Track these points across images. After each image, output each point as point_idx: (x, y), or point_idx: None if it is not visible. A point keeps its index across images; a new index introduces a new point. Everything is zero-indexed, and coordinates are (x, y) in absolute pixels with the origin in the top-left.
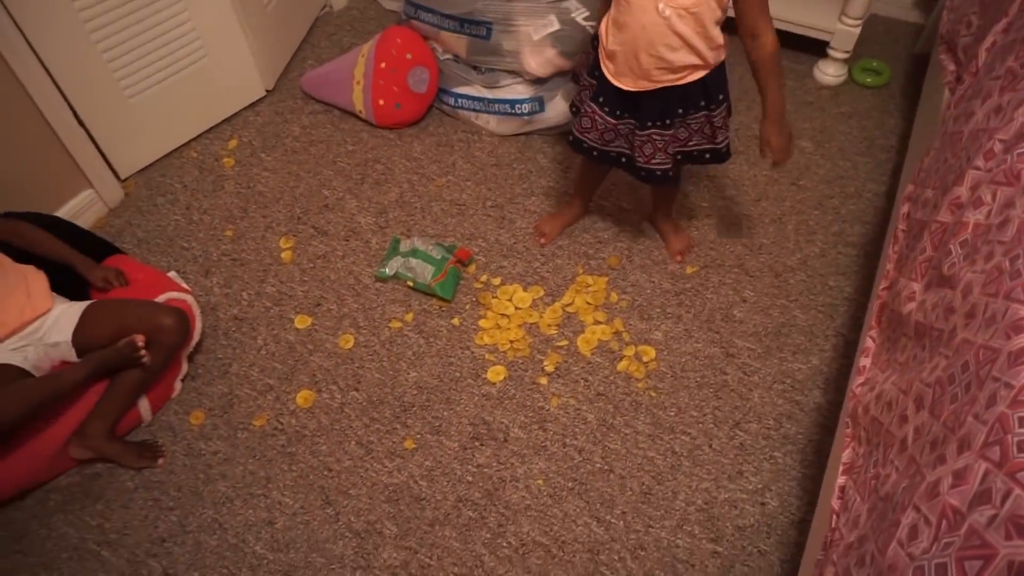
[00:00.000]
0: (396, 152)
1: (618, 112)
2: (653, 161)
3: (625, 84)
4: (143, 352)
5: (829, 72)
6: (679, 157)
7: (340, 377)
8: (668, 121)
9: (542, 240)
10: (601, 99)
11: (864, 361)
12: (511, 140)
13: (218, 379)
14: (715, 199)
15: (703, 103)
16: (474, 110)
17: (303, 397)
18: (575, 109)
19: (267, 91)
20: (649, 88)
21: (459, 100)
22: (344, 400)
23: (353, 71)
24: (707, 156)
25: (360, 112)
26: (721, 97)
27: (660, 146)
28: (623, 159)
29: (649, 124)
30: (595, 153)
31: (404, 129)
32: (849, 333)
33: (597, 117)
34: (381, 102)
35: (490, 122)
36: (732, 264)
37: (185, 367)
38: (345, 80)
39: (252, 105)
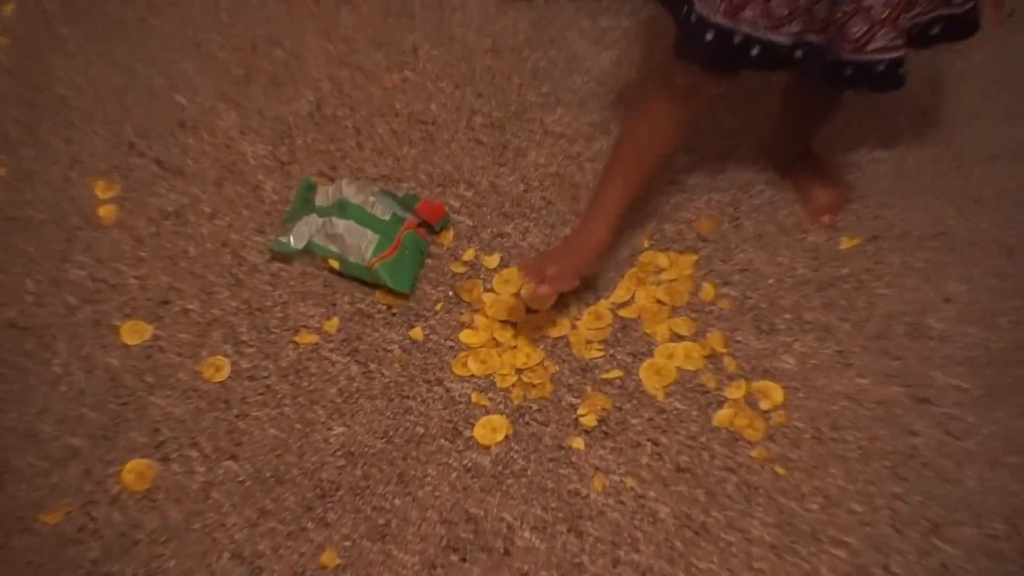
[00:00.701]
0: (310, 26)
1: None
2: (871, 47)
3: None
4: None
5: None
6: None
7: (204, 434)
8: None
9: (536, 303)
10: None
11: None
12: (518, 5)
13: None
14: (894, 114)
15: None
16: None
17: (135, 472)
18: None
19: None
20: None
21: None
22: (211, 477)
23: None
24: (938, 30)
25: None
26: None
27: (883, 15)
28: (799, 56)
29: None
30: (755, 52)
31: None
32: None
33: None
34: None
35: None
36: (924, 233)
37: None
38: None
39: None
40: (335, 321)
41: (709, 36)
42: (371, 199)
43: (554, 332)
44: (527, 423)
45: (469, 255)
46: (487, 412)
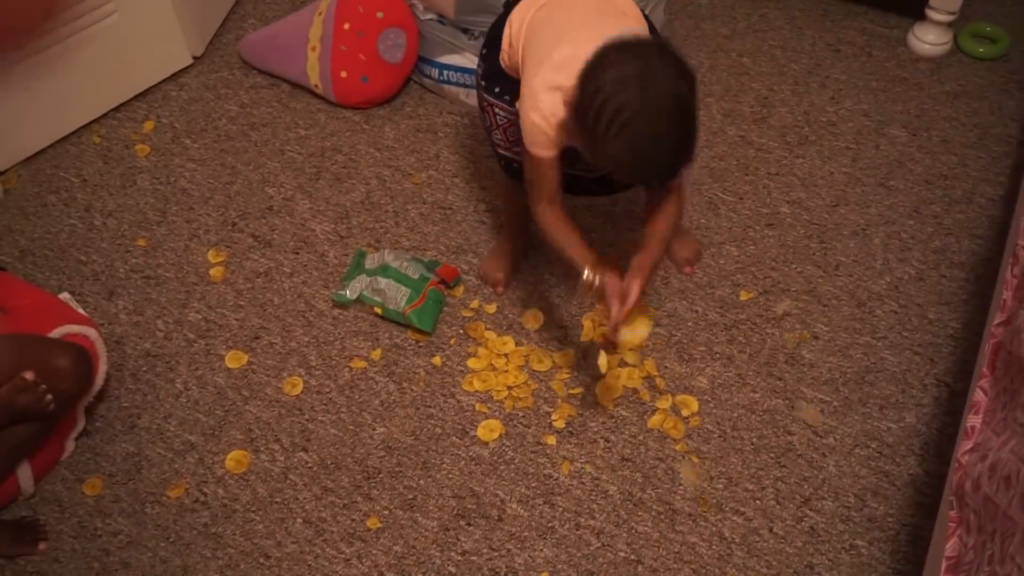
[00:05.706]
0: (362, 139)
1: None
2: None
3: None
4: (45, 396)
5: (929, 40)
6: None
7: (284, 433)
8: None
9: (499, 290)
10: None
11: (973, 420)
12: None
13: (122, 435)
14: (777, 203)
15: None
16: (464, 85)
17: (234, 460)
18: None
19: (195, 58)
20: None
21: (444, 72)
22: (288, 464)
23: (307, 33)
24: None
25: (316, 87)
26: None
27: None
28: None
29: None
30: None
31: (373, 109)
32: (955, 382)
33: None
34: (343, 74)
35: None
36: (800, 289)
37: (82, 422)
38: (297, 45)
39: (175, 76)
40: (379, 352)
41: (503, 163)
42: (405, 264)
43: (538, 366)
44: (515, 425)
45: (475, 304)
46: (487, 417)
